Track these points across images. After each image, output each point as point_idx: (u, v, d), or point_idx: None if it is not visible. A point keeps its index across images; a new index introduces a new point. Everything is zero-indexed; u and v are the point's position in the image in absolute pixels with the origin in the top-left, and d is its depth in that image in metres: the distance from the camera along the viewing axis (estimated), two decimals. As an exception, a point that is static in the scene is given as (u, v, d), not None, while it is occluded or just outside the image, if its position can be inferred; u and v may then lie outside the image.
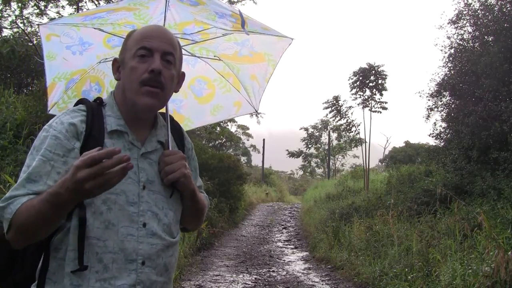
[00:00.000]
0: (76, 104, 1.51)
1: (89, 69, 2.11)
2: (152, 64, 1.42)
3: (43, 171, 1.32)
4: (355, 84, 15.58)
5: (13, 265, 1.41)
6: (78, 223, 1.32)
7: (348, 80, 15.76)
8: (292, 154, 38.94)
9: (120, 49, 1.56)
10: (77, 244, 1.32)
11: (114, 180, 1.14)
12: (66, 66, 2.07)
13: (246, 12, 1.93)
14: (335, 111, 17.33)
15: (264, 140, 34.94)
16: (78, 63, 2.08)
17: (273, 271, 8.01)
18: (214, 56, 2.22)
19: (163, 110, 1.64)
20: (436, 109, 10.98)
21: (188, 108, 2.31)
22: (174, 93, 1.59)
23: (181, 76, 1.60)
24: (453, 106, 10.46)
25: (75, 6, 11.40)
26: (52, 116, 1.52)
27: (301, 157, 39.93)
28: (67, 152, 1.36)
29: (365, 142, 15.97)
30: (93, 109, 1.46)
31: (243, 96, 2.28)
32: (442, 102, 10.86)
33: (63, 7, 13.20)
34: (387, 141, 32.97)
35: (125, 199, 1.39)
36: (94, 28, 2.03)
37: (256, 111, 2.31)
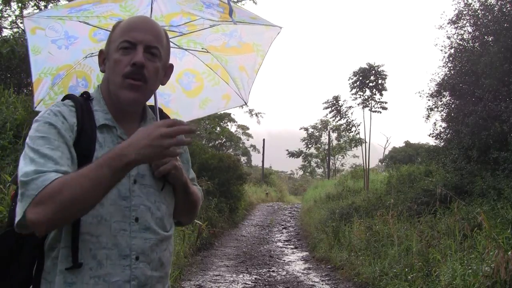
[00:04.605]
0: (63, 100, 1.46)
1: (75, 64, 2.06)
2: (134, 57, 1.39)
3: (55, 155, 1.26)
4: (355, 84, 15.58)
5: (9, 267, 1.38)
6: None
7: (348, 80, 15.77)
8: (292, 154, 38.92)
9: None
10: (70, 241, 1.30)
11: (175, 150, 1.27)
12: (51, 61, 2.01)
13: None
14: (335, 111, 17.32)
15: (264, 140, 34.93)
16: (63, 58, 2.02)
17: (273, 271, 8.00)
18: (202, 48, 2.17)
19: (152, 103, 1.59)
20: (436, 109, 10.98)
21: (176, 102, 2.25)
22: (161, 86, 1.55)
23: (169, 68, 1.55)
24: (453, 106, 10.46)
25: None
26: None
27: (301, 157, 39.90)
28: (67, 141, 1.33)
29: (365, 142, 15.98)
30: (82, 104, 1.43)
31: (232, 88, 2.23)
32: (442, 102, 10.86)
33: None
34: (387, 141, 32.86)
35: (117, 193, 1.36)
36: (80, 21, 1.96)
37: (246, 103, 2.25)
